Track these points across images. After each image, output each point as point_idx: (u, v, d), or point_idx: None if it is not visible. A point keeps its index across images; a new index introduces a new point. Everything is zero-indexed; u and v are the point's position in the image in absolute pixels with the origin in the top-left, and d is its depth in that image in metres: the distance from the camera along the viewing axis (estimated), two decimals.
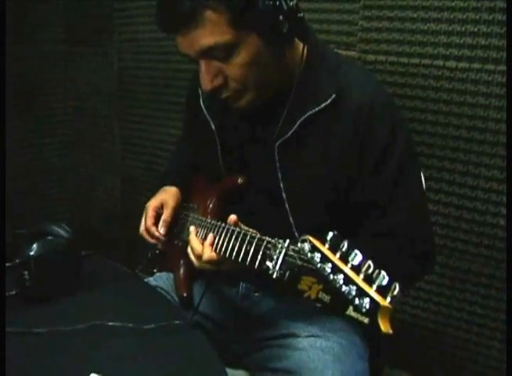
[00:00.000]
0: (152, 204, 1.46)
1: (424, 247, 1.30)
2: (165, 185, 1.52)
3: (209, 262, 1.17)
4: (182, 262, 1.42)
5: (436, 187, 1.86)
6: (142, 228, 1.46)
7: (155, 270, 1.53)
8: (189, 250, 1.23)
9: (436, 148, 1.84)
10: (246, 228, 1.17)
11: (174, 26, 1.13)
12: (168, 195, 1.48)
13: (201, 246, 1.19)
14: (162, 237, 1.41)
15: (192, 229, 1.25)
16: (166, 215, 1.43)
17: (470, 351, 1.91)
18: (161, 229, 1.41)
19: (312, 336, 1.27)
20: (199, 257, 1.19)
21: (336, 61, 1.28)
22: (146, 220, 1.44)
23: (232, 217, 1.17)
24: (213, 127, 1.36)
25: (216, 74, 1.18)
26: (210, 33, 1.10)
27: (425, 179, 1.33)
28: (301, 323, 1.31)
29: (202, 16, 1.09)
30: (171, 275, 1.47)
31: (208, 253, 1.17)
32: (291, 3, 1.13)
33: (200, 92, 1.38)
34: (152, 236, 1.43)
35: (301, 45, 1.22)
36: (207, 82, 1.18)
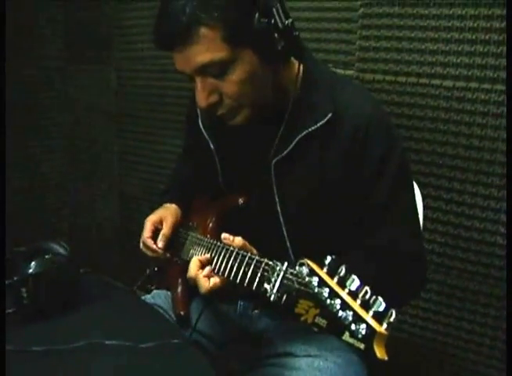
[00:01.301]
0: (151, 219, 1.46)
1: (416, 264, 1.30)
2: (165, 202, 1.53)
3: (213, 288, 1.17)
4: (179, 280, 1.41)
5: (434, 205, 1.86)
6: (141, 243, 1.46)
7: (153, 287, 1.53)
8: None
9: (433, 166, 1.84)
10: (250, 247, 1.17)
11: (170, 42, 1.15)
12: (168, 211, 1.48)
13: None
14: (159, 250, 1.41)
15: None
16: (165, 229, 1.43)
17: (469, 370, 1.90)
18: (160, 243, 1.41)
19: (310, 356, 1.26)
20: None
21: (332, 79, 1.30)
22: (143, 233, 1.44)
23: (238, 240, 1.17)
24: (212, 146, 1.37)
25: (211, 91, 1.18)
26: (205, 49, 1.12)
27: (422, 197, 1.33)
28: (299, 342, 1.30)
29: (197, 33, 1.10)
30: (169, 293, 1.46)
31: (211, 281, 1.17)
32: (286, 21, 1.14)
33: (198, 111, 1.39)
34: (149, 249, 1.43)
35: (297, 64, 1.23)
36: (202, 99, 1.19)
